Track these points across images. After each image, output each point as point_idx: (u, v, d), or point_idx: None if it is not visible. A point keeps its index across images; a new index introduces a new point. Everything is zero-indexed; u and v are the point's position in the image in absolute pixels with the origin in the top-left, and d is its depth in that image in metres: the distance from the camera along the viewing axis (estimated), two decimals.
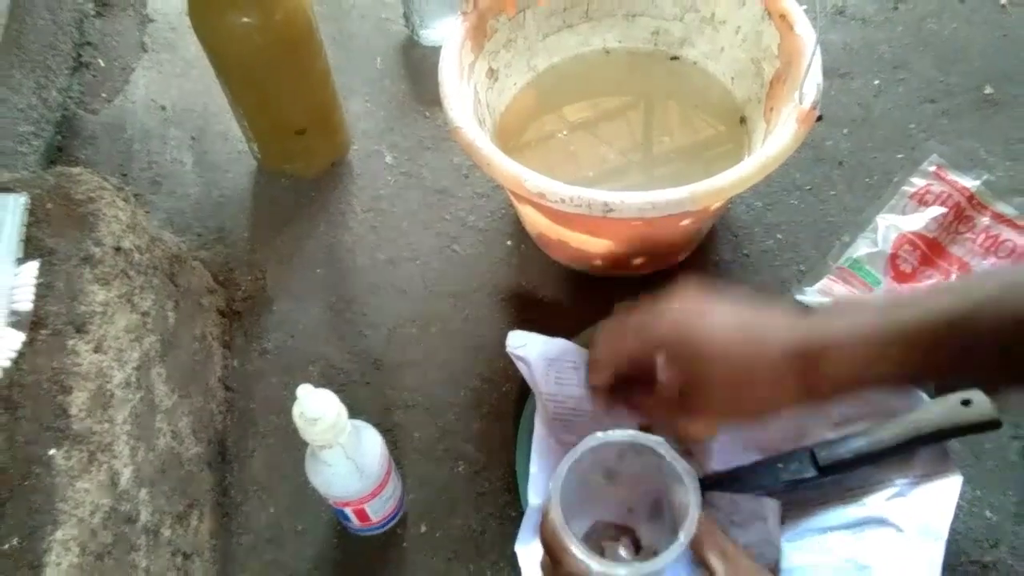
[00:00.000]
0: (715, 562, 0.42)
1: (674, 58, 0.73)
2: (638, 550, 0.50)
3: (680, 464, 0.45)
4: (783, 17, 0.62)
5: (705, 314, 0.46)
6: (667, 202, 0.53)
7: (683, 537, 0.42)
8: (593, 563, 0.42)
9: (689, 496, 0.44)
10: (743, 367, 0.43)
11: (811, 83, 0.57)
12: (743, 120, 0.69)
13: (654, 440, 0.46)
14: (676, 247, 0.68)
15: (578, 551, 0.43)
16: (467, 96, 0.63)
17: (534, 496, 0.53)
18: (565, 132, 0.71)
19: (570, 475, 0.46)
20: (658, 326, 0.47)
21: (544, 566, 0.46)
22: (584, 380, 0.55)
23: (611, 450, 0.47)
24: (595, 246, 0.64)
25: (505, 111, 0.72)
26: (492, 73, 0.69)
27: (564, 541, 0.43)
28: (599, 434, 0.46)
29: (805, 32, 0.61)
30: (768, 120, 0.64)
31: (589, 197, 0.53)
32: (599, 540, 0.50)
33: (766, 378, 0.43)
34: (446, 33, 0.65)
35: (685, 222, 0.61)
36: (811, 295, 0.65)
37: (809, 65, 0.57)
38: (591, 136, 0.71)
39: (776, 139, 0.56)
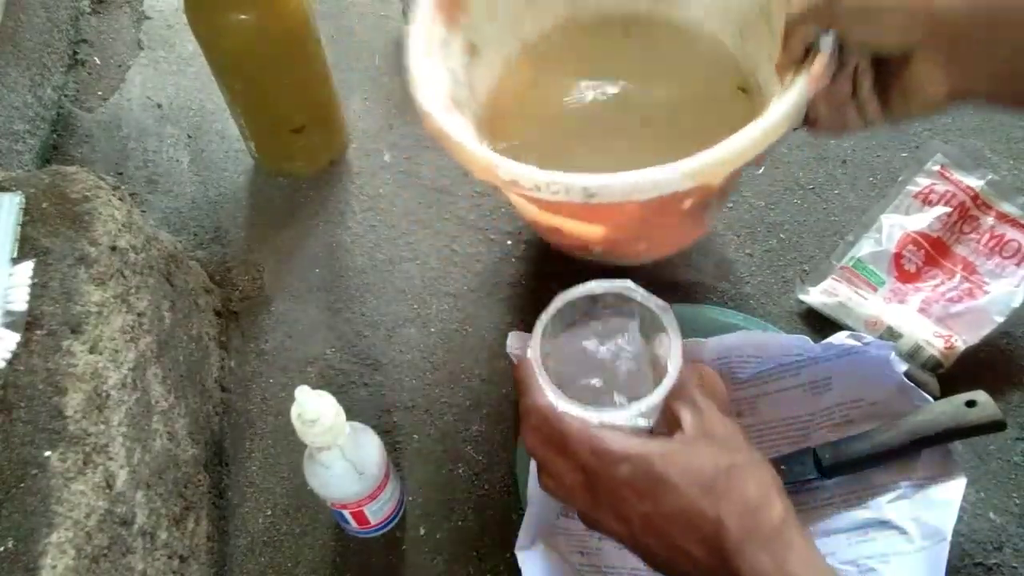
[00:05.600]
0: (684, 413, 0.39)
1: (671, 20, 0.65)
2: None
3: (654, 301, 0.41)
4: None
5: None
6: (654, 183, 0.46)
7: (671, 369, 0.38)
8: (563, 403, 0.38)
9: (670, 337, 0.40)
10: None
11: (825, 39, 0.48)
12: (744, 90, 0.61)
13: (622, 284, 0.42)
14: (683, 231, 0.63)
15: (548, 387, 0.39)
16: (441, 79, 0.56)
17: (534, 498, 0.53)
18: (560, 109, 0.64)
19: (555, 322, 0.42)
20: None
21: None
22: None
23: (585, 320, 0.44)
24: (590, 232, 0.59)
25: (493, 91, 0.63)
26: (472, 49, 0.60)
27: (536, 376, 0.40)
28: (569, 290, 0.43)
29: None
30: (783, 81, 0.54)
31: (566, 182, 0.46)
32: None
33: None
34: (413, 9, 0.56)
35: (686, 203, 0.54)
36: (814, 295, 0.65)
37: None
38: (587, 114, 0.64)
39: (778, 106, 0.49)
